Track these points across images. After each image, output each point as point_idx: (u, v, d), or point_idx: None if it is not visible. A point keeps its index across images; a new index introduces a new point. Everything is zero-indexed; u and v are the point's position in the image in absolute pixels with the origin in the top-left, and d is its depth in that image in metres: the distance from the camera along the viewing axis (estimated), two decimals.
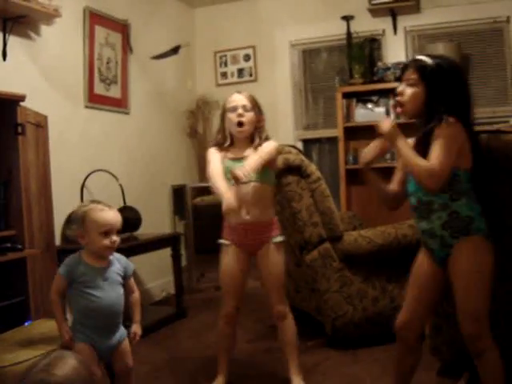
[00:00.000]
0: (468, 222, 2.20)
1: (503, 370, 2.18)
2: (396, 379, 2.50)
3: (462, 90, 2.25)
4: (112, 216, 2.47)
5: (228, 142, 2.94)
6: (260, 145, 2.87)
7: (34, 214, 3.31)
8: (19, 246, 3.14)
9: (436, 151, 2.13)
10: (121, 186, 4.37)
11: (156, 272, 5.21)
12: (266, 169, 2.84)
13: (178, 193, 5.70)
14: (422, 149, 2.20)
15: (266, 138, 2.92)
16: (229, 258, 2.95)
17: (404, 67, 2.32)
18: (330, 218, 3.50)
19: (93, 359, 2.37)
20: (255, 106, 2.92)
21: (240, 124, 2.87)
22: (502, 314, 2.59)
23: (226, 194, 2.64)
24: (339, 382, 3.03)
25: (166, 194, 5.64)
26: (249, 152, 2.87)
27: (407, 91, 2.27)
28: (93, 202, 2.54)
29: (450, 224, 2.21)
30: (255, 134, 2.92)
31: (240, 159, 2.84)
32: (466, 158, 2.20)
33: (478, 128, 2.44)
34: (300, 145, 6.00)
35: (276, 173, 3.01)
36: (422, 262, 2.37)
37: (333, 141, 5.86)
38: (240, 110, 2.87)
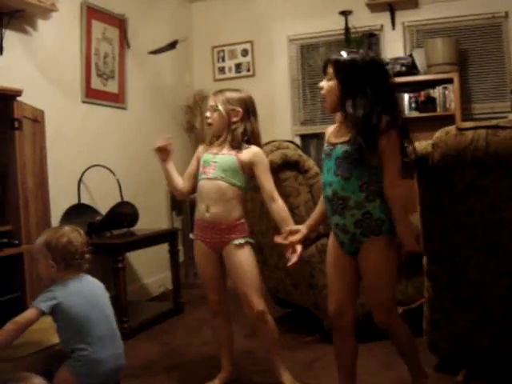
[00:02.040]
0: (379, 224, 2.27)
1: (414, 341, 2.43)
2: (342, 375, 2.54)
3: (382, 85, 2.28)
4: None
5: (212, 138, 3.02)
6: (236, 144, 2.86)
7: (30, 209, 3.30)
8: (16, 242, 3.13)
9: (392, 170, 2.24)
10: (118, 181, 4.36)
11: (153, 267, 5.20)
12: (238, 170, 2.84)
13: None
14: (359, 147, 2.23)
15: (249, 140, 2.89)
16: (197, 252, 3.00)
17: (325, 62, 2.38)
18: None
19: None
20: (224, 103, 2.89)
21: (208, 124, 2.97)
22: (499, 309, 2.59)
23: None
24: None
25: (163, 189, 5.62)
26: (225, 150, 2.88)
27: (325, 85, 2.35)
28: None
29: (363, 223, 2.27)
30: (231, 130, 2.90)
31: (215, 154, 2.91)
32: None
33: (476, 123, 2.44)
34: (298, 140, 5.99)
35: (251, 177, 2.91)
36: (333, 251, 2.44)
37: None
38: (207, 113, 2.95)
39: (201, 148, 3.08)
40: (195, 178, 3.00)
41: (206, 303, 3.07)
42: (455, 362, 2.93)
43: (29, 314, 2.36)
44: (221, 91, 2.96)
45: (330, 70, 2.31)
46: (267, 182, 2.84)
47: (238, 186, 2.86)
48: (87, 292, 2.46)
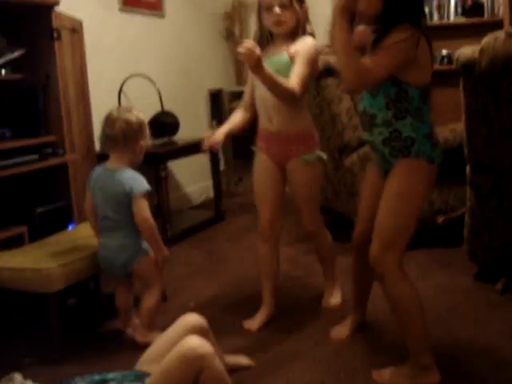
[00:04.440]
0: (409, 144, 2.04)
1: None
2: (355, 294, 2.55)
3: None
4: None
5: (265, 41, 2.60)
6: (291, 42, 2.52)
7: (73, 119, 3.34)
8: (60, 152, 3.18)
9: (376, 55, 1.93)
10: (158, 90, 4.35)
11: (195, 176, 5.27)
12: (291, 67, 2.48)
13: (215, 97, 5.66)
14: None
15: (304, 33, 2.54)
16: (257, 166, 2.74)
17: None
18: None
19: None
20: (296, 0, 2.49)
21: (279, 23, 2.51)
22: None
23: None
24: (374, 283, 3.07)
25: (203, 98, 5.60)
26: (276, 50, 2.55)
27: None
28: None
29: (391, 142, 2.06)
30: (297, 30, 2.53)
31: (271, 56, 2.53)
32: (419, 72, 1.98)
33: None
34: None
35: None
36: (370, 173, 2.29)
37: None
38: (277, 9, 2.47)
39: None
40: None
41: (258, 226, 2.78)
42: (495, 271, 2.94)
43: None
44: None
45: None
46: (296, 66, 2.45)
47: None
48: (101, 188, 2.52)
